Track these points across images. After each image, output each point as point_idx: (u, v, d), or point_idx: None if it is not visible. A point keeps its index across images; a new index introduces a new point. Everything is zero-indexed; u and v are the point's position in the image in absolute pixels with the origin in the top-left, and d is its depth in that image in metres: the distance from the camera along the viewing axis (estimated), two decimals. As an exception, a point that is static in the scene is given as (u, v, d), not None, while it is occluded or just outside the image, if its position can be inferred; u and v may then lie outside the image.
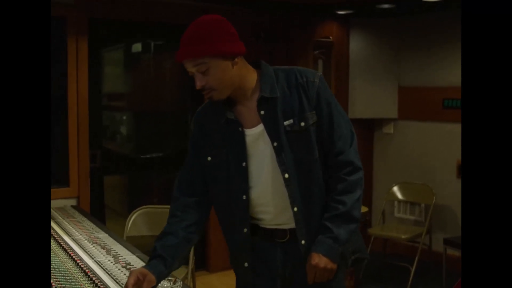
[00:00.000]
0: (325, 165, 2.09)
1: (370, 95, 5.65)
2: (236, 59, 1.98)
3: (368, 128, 5.98)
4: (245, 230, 2.10)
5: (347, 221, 2.04)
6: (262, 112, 2.02)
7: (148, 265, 2.02)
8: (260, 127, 2.04)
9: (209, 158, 2.10)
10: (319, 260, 2.01)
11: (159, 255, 2.03)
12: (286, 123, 2.02)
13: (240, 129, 2.05)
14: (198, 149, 2.14)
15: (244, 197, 2.07)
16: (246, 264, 2.14)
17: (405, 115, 5.69)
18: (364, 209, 4.61)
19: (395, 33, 5.66)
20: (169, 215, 2.14)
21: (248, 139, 2.05)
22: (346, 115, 2.11)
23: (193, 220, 2.11)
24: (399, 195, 5.52)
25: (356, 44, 5.67)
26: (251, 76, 2.06)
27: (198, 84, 1.96)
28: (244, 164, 2.05)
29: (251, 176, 2.06)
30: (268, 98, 2.02)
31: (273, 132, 2.02)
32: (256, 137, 2.05)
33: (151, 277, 1.96)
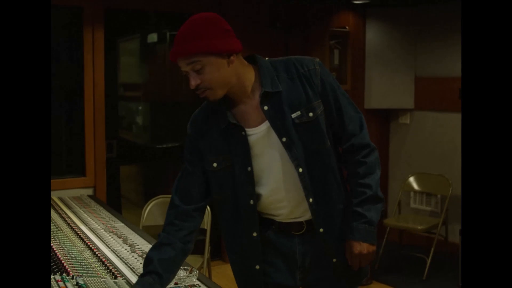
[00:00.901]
0: (336, 151, 2.07)
1: (386, 85, 5.61)
2: (232, 57, 1.90)
3: (385, 118, 5.94)
4: (254, 234, 2.06)
5: (375, 202, 2.07)
6: (266, 108, 1.96)
7: (142, 284, 1.90)
8: (265, 125, 1.98)
9: (214, 165, 2.03)
10: (360, 247, 2.04)
11: (155, 272, 1.93)
12: (294, 115, 1.97)
13: (243, 133, 1.98)
14: (198, 155, 2.06)
15: (252, 201, 2.04)
16: (257, 267, 2.10)
17: (422, 106, 5.65)
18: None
19: (412, 22, 5.61)
20: (167, 223, 2.05)
21: (253, 139, 1.99)
22: (349, 96, 2.09)
23: (192, 229, 2.05)
24: (415, 186, 5.49)
25: (373, 34, 5.64)
26: (249, 73, 1.99)
27: (193, 83, 1.89)
28: (249, 168, 2.00)
29: (260, 176, 2.03)
30: (271, 92, 1.97)
31: (280, 127, 1.97)
32: (262, 136, 1.99)
33: None
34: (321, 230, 2.04)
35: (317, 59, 2.04)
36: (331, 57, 5.57)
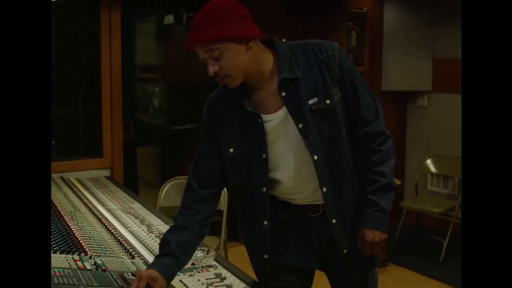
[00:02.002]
0: (352, 140, 2.06)
1: (404, 67, 5.56)
2: (250, 43, 1.88)
3: (402, 100, 5.90)
4: (265, 222, 2.06)
5: (388, 190, 2.06)
6: (284, 94, 1.94)
7: (158, 265, 1.89)
8: (283, 111, 1.96)
9: (231, 150, 2.02)
10: (373, 235, 2.04)
11: (172, 254, 1.92)
12: (310, 102, 1.95)
13: (259, 120, 1.97)
14: (215, 140, 2.06)
15: (264, 189, 2.03)
16: (266, 256, 2.10)
17: (440, 88, 5.60)
18: (397, 181, 4.57)
19: (430, 3, 5.54)
20: (184, 206, 2.05)
21: (270, 126, 1.98)
22: (366, 83, 2.06)
23: (208, 213, 2.05)
24: (432, 168, 5.47)
25: (390, 15, 5.58)
26: (267, 58, 1.97)
27: (211, 70, 1.87)
28: (264, 155, 1.99)
29: (277, 162, 2.01)
30: (289, 79, 1.94)
31: (297, 113, 1.95)
32: (279, 122, 1.97)
33: (161, 282, 1.85)
34: (334, 221, 2.04)
35: (336, 44, 2.01)
36: (349, 39, 5.53)
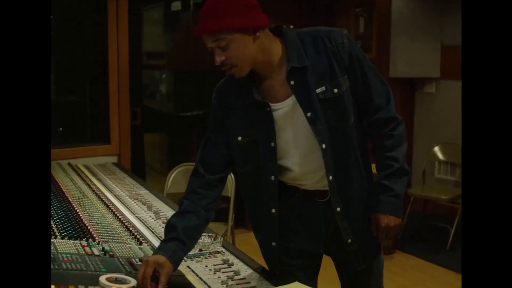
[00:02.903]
0: (360, 130, 2.06)
1: (412, 54, 5.53)
2: (258, 33, 1.87)
3: (410, 87, 5.88)
4: (273, 210, 2.06)
5: (402, 175, 2.06)
6: (292, 82, 1.94)
7: (165, 250, 1.89)
8: (291, 100, 1.96)
9: (239, 138, 2.02)
10: (388, 220, 2.05)
11: (178, 238, 1.92)
12: (318, 90, 1.94)
13: (268, 109, 1.97)
14: (223, 127, 2.06)
15: (273, 177, 2.03)
16: (274, 244, 2.11)
17: (448, 75, 5.57)
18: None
19: (439, -11, 5.51)
20: (190, 190, 2.04)
21: (278, 114, 1.97)
22: (376, 68, 2.05)
23: (214, 197, 2.06)
24: (440, 156, 5.46)
25: (399, 1, 5.53)
26: (276, 47, 1.96)
27: (218, 59, 1.87)
28: (272, 144, 1.99)
29: (286, 150, 2.01)
30: (298, 68, 1.94)
31: (305, 102, 1.95)
32: (287, 111, 1.97)
33: (169, 268, 1.85)
34: (338, 209, 2.04)
35: (345, 31, 2.00)
36: (356, 25, 5.51)
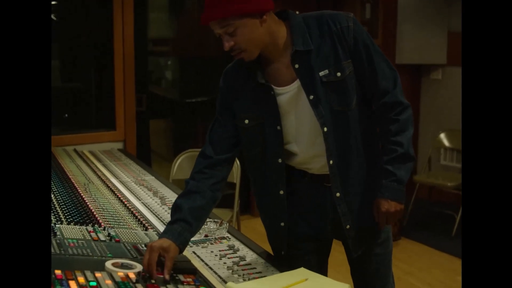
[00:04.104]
0: (365, 115, 2.05)
1: (418, 40, 5.50)
2: (264, 16, 1.88)
3: (416, 74, 5.86)
4: (281, 192, 2.07)
5: (406, 160, 2.04)
6: (297, 66, 1.95)
7: (171, 233, 1.88)
8: (296, 84, 1.96)
9: (246, 121, 2.04)
10: (388, 205, 2.03)
11: (184, 219, 1.92)
12: (321, 73, 1.95)
13: (272, 93, 1.97)
14: (230, 110, 2.07)
15: (280, 160, 2.04)
16: (282, 224, 2.11)
17: (454, 61, 5.54)
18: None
19: (446, -25, 5.47)
20: (196, 171, 2.05)
21: (283, 98, 1.98)
22: (383, 53, 2.04)
23: (221, 177, 2.06)
24: (446, 142, 5.44)
25: (405, -13, 5.52)
26: (282, 30, 1.96)
27: (227, 45, 1.87)
28: (278, 127, 2.00)
29: (292, 134, 2.02)
30: (302, 51, 1.94)
31: (308, 85, 1.95)
32: (292, 95, 1.97)
33: (174, 251, 1.84)
34: (338, 194, 2.04)
35: (351, 15, 1.99)
36: (363, 11, 5.48)
